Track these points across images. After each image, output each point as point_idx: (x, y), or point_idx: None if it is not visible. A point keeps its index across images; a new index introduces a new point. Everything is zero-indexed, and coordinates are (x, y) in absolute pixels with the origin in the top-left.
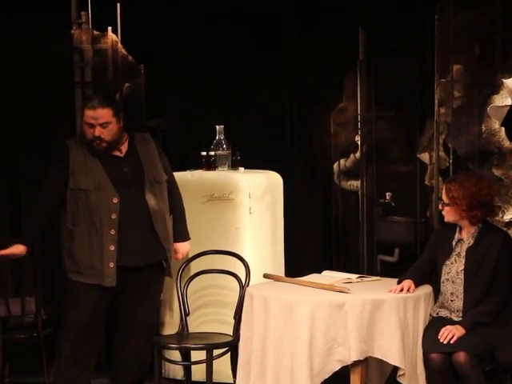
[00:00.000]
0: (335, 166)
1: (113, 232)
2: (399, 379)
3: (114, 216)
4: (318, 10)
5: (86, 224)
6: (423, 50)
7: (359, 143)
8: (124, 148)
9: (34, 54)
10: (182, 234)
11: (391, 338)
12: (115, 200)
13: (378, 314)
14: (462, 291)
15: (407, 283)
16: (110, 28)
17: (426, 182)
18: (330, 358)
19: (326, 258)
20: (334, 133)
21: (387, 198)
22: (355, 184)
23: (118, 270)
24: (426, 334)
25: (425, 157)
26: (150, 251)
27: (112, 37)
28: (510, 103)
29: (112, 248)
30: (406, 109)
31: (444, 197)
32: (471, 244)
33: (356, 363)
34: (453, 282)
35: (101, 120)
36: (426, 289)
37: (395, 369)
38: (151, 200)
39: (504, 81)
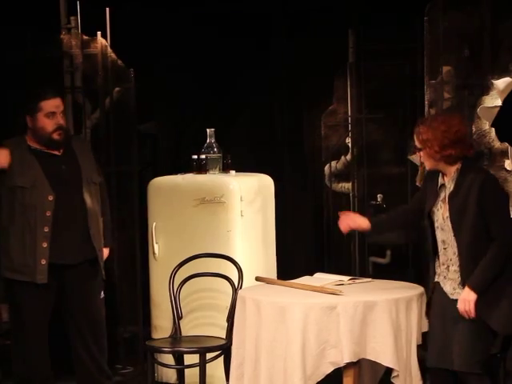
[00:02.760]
0: (326, 168)
1: (46, 229)
2: (393, 380)
3: (48, 213)
4: (307, 12)
5: (20, 222)
6: (413, 51)
7: (350, 145)
8: (62, 148)
9: (23, 59)
10: (109, 239)
11: (384, 340)
12: (50, 197)
13: (370, 315)
14: (452, 238)
15: (353, 219)
16: (99, 33)
17: (417, 184)
18: (323, 360)
19: (317, 260)
20: (324, 135)
21: (378, 199)
22: (346, 186)
23: (53, 268)
24: (431, 335)
25: (415, 158)
26: (82, 249)
27: (101, 41)
28: (499, 104)
29: (44, 245)
30: (397, 110)
31: (416, 142)
32: (452, 189)
33: (349, 365)
34: (442, 229)
35: (61, 107)
36: (418, 289)
37: (388, 370)
38: (88, 199)
39: (494, 82)
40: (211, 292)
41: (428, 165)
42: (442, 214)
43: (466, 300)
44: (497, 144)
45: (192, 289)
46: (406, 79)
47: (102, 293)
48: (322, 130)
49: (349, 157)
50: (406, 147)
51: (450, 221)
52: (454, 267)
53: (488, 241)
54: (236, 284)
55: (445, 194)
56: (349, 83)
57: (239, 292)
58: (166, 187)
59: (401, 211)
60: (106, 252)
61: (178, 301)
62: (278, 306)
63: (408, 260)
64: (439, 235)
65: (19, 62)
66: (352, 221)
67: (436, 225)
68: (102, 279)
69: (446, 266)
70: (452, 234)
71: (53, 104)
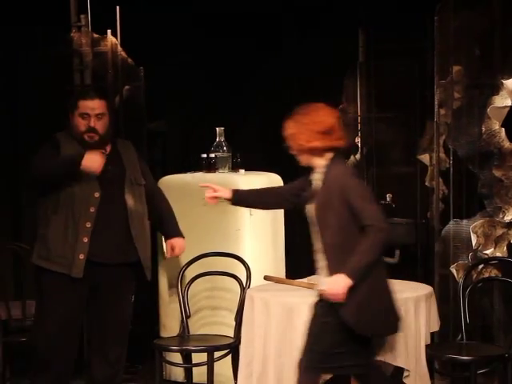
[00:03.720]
0: None
1: (88, 225)
2: (405, 380)
3: (92, 209)
4: (317, 12)
5: (64, 213)
6: (423, 51)
7: (359, 145)
8: (108, 149)
9: (34, 57)
10: (176, 231)
11: (393, 339)
12: (96, 194)
13: None
14: (318, 235)
15: (216, 189)
16: (109, 31)
17: (427, 184)
18: None
19: None
20: None
21: (387, 199)
22: None
23: (88, 264)
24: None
25: (425, 158)
26: (122, 250)
27: (111, 39)
28: (510, 104)
29: (85, 240)
30: (406, 110)
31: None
32: (318, 184)
33: None
34: (313, 224)
35: (97, 110)
36: (427, 289)
37: (396, 370)
38: (130, 200)
39: (504, 82)
40: (219, 291)
41: (301, 160)
42: (311, 210)
43: (335, 281)
44: (507, 144)
45: (200, 287)
46: (416, 79)
47: (133, 297)
48: None
49: (358, 156)
50: (415, 147)
51: (316, 217)
52: (321, 263)
53: (353, 239)
54: (244, 283)
55: (312, 190)
56: (358, 82)
57: (247, 291)
58: (175, 186)
59: (274, 192)
60: (181, 242)
61: (186, 299)
62: (286, 305)
63: (417, 260)
64: (311, 229)
65: (30, 61)
66: (216, 191)
67: (308, 220)
68: (136, 282)
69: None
70: (318, 230)
71: (87, 105)
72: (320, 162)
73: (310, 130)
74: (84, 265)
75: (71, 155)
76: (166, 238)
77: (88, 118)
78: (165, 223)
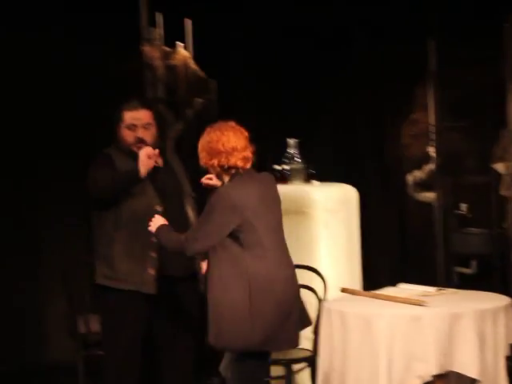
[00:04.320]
0: (409, 177)
1: (154, 239)
2: None
3: None
4: (387, 22)
5: (127, 229)
6: (496, 59)
7: (433, 154)
8: (160, 161)
9: (106, 71)
10: None
11: (470, 352)
12: (158, 208)
13: (457, 327)
14: None
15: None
16: (181, 44)
17: (502, 193)
18: (410, 373)
19: (401, 270)
20: (406, 144)
21: (462, 209)
22: (429, 196)
23: (158, 279)
24: None
25: (499, 167)
26: (185, 263)
27: (183, 53)
28: None
29: (153, 255)
30: (479, 119)
31: None
32: None
33: (436, 378)
34: None
35: (144, 121)
36: (505, 300)
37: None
38: (190, 212)
39: None
40: None
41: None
42: None
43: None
44: None
45: None
46: (489, 87)
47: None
48: (403, 140)
49: (432, 166)
50: (489, 155)
51: None
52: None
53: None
54: (321, 295)
55: None
56: (431, 92)
57: (324, 304)
58: None
59: None
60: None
61: None
62: (363, 318)
63: (494, 270)
64: None
65: (102, 75)
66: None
67: None
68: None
69: None
70: None
71: (133, 116)
72: (226, 180)
73: (210, 148)
74: (155, 280)
75: (132, 166)
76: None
77: (135, 129)
78: None
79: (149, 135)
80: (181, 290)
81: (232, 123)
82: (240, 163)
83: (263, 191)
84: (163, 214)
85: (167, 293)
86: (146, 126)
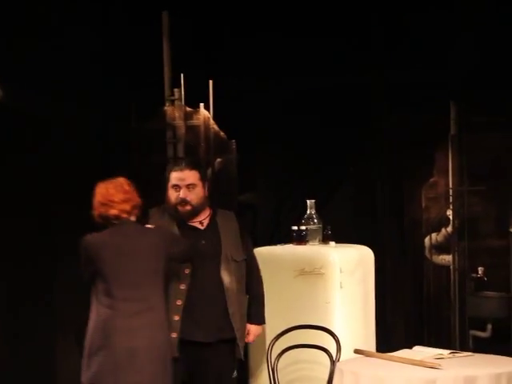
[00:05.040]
0: (426, 240)
1: (179, 303)
2: None
3: (182, 287)
4: (407, 85)
5: None
6: None
7: (451, 217)
8: (206, 221)
9: (127, 130)
10: (256, 317)
11: None
12: (187, 271)
13: None
14: None
15: None
16: (202, 104)
17: None
18: None
19: (417, 333)
20: (425, 207)
21: (479, 272)
22: (447, 258)
23: (185, 344)
24: None
25: None
26: (217, 327)
27: (204, 113)
28: None
29: (176, 318)
30: (498, 183)
31: None
32: None
33: None
34: None
35: (187, 181)
36: None
37: None
38: (226, 277)
39: None
40: (309, 364)
41: None
42: None
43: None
44: None
45: (290, 360)
46: (509, 151)
47: (235, 372)
48: (422, 202)
49: (450, 229)
50: (508, 220)
51: None
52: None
53: None
54: (334, 356)
55: None
56: (450, 155)
57: (337, 364)
58: (265, 258)
59: None
60: (257, 329)
61: (276, 372)
62: (377, 379)
63: (510, 334)
64: None
65: (125, 133)
66: None
67: None
68: (238, 359)
69: None
70: None
71: (176, 176)
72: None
73: (95, 200)
74: (178, 344)
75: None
76: (247, 321)
77: (179, 190)
78: (250, 306)
79: (192, 196)
80: (212, 354)
81: (120, 179)
82: (116, 214)
83: (127, 243)
84: (191, 276)
85: (199, 358)
86: (189, 187)
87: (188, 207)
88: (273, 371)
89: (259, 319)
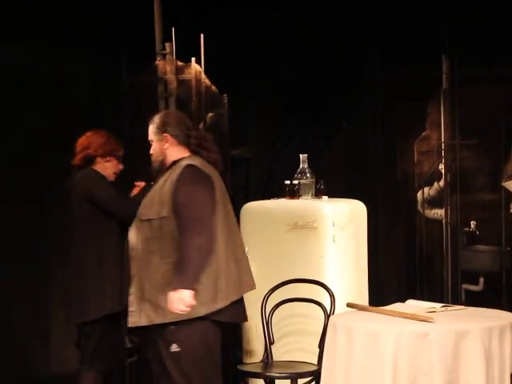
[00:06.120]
0: (419, 194)
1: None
2: None
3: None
4: (400, 39)
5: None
6: (507, 77)
7: (443, 171)
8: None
9: (119, 84)
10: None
11: (476, 368)
12: None
13: (463, 343)
14: None
15: None
16: (193, 59)
17: (511, 211)
18: None
19: (409, 287)
20: (417, 161)
21: (472, 226)
22: (439, 213)
23: None
24: None
25: (509, 185)
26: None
27: (196, 67)
28: None
29: None
30: (491, 137)
31: None
32: None
33: None
34: None
35: (149, 137)
36: None
37: None
38: (132, 236)
39: None
40: (303, 317)
41: None
42: None
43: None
44: None
45: (283, 314)
46: (501, 105)
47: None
48: (414, 156)
49: (442, 183)
50: (499, 173)
51: None
52: None
53: None
54: (328, 310)
55: None
56: (442, 109)
57: (330, 318)
58: (258, 212)
59: None
60: (169, 296)
61: (270, 326)
62: (369, 333)
63: (501, 287)
64: None
65: (115, 88)
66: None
67: None
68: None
69: None
70: None
71: None
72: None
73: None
74: None
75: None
76: None
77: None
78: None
79: (152, 151)
80: None
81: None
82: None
83: None
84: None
85: None
86: (151, 143)
87: (153, 164)
88: (267, 325)
89: (174, 285)
